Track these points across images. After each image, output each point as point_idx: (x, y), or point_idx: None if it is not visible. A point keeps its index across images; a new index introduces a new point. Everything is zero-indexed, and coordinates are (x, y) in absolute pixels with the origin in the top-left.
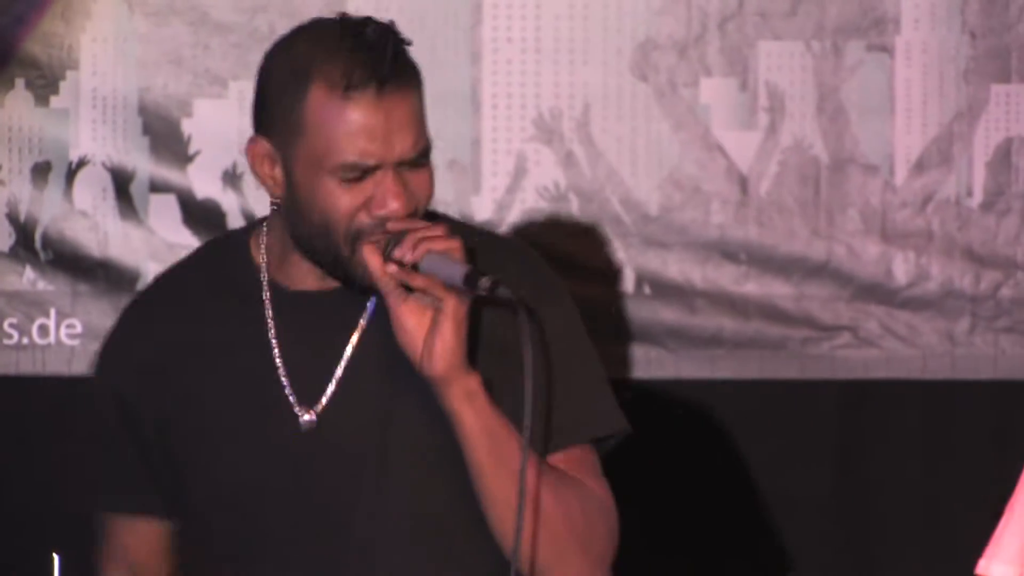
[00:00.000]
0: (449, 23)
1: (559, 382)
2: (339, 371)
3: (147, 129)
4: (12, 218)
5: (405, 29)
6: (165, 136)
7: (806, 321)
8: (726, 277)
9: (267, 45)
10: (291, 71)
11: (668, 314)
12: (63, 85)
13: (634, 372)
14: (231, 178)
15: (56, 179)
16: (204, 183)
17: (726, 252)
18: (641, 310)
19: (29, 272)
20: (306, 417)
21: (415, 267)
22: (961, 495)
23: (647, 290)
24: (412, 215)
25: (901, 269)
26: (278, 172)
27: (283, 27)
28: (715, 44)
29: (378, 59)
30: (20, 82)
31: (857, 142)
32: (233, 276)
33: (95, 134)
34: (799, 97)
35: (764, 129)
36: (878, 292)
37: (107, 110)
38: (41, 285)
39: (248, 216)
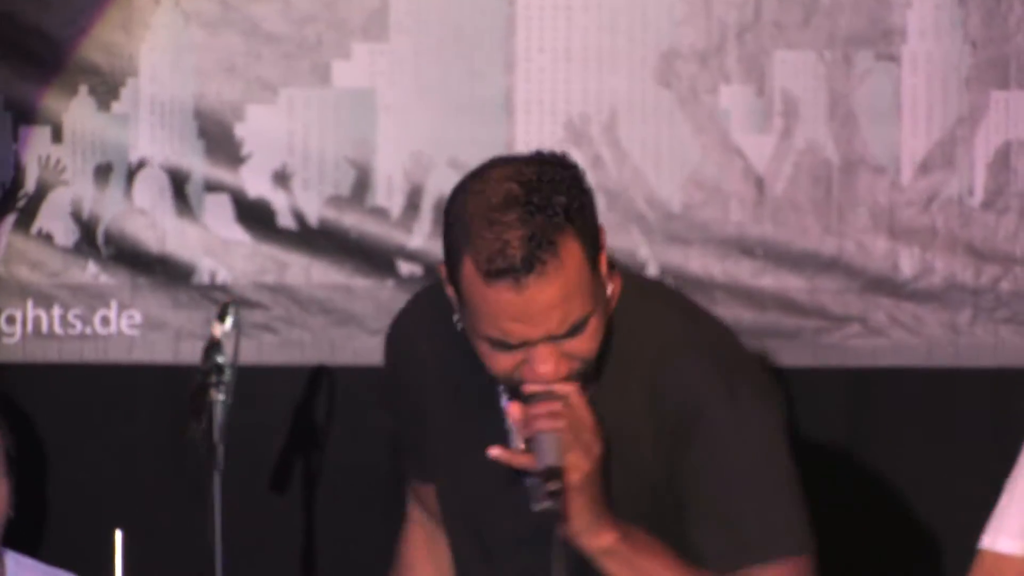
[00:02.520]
0: (485, 34)
1: (732, 498)
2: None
3: (202, 133)
4: (76, 216)
5: (444, 42)
6: (219, 139)
7: (818, 312)
8: (744, 271)
9: (314, 54)
10: (454, 228)
11: None
12: (123, 91)
13: None
14: (281, 178)
15: (117, 179)
16: (255, 183)
17: (744, 248)
18: None
19: (92, 266)
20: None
21: (531, 441)
22: (962, 474)
23: (670, 283)
24: (576, 373)
25: (907, 263)
26: (455, 295)
27: (330, 38)
28: (734, 53)
29: (522, 237)
30: (83, 89)
31: (866, 145)
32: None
33: (153, 137)
34: (812, 103)
35: (779, 133)
36: (886, 285)
37: (165, 115)
38: (103, 279)
39: (297, 214)
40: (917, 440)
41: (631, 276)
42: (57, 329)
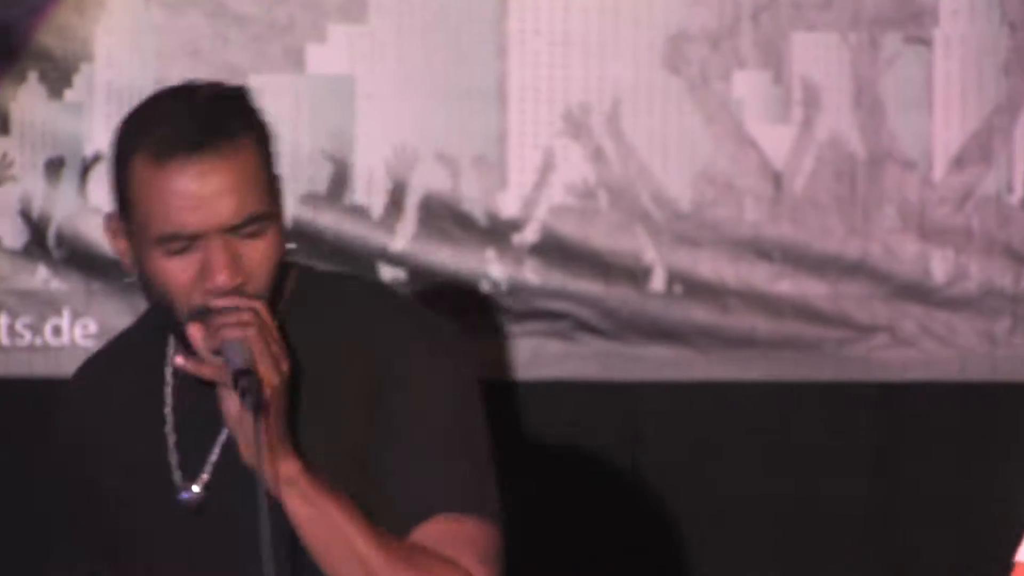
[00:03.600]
0: (474, 16)
1: (419, 453)
2: (216, 451)
3: None
4: (25, 215)
5: (429, 23)
6: None
7: (842, 321)
8: (759, 276)
9: (287, 37)
10: (120, 144)
11: (700, 314)
12: (77, 78)
13: (664, 374)
14: None
15: (70, 175)
16: None
17: (759, 250)
18: (672, 310)
19: (42, 270)
20: (185, 495)
21: (218, 353)
22: (1000, 499)
23: (678, 289)
24: (248, 288)
25: (940, 268)
26: (126, 247)
27: (303, 18)
28: (748, 36)
29: (195, 123)
30: (33, 75)
31: (894, 137)
32: (149, 352)
33: (110, 128)
34: (835, 90)
35: (799, 123)
36: (916, 291)
37: (123, 103)
38: (55, 284)
39: None
40: (950, 461)
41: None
42: (3, 339)
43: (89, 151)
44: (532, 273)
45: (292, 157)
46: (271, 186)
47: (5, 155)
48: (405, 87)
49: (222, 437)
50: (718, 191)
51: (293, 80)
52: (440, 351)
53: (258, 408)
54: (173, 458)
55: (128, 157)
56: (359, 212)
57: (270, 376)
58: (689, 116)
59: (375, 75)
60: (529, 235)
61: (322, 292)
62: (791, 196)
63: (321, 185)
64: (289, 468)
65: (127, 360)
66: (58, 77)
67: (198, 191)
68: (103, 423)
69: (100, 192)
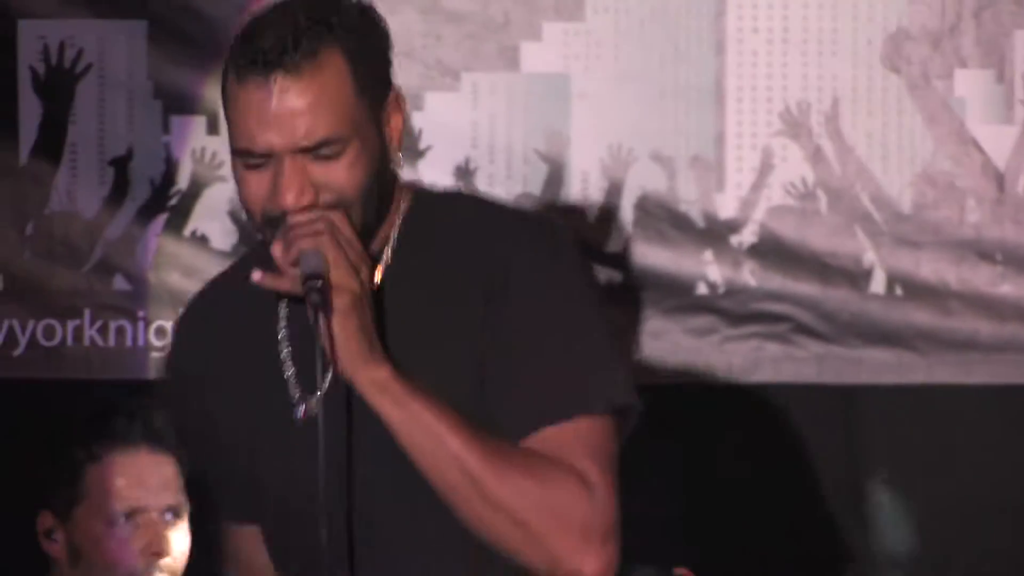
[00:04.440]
0: (692, 13)
1: (529, 360)
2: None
3: None
4: (234, 216)
5: (646, 21)
6: None
7: None
8: (981, 278)
9: (502, 35)
10: (225, 59)
11: (921, 316)
12: None
13: (884, 377)
14: (464, 174)
15: None
16: (435, 180)
17: (981, 252)
18: (892, 312)
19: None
20: (299, 411)
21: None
22: None
23: (899, 291)
24: (325, 201)
25: None
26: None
27: (519, 16)
28: (970, 34)
29: (278, 39)
30: None
31: None
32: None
33: None
34: None
35: (1022, 123)
36: None
37: None
38: None
39: None
40: None
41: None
42: None
43: None
44: (750, 275)
45: (506, 157)
46: (361, 102)
47: (215, 155)
48: (621, 86)
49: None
50: (939, 192)
51: (508, 79)
52: (548, 251)
53: (324, 311)
54: (289, 376)
55: (224, 71)
56: (575, 213)
57: (347, 281)
58: (910, 116)
59: (590, 74)
60: (747, 236)
61: (435, 209)
62: (1014, 197)
63: (536, 185)
64: (379, 373)
65: (244, 285)
66: None
67: (270, 111)
68: (220, 349)
69: None
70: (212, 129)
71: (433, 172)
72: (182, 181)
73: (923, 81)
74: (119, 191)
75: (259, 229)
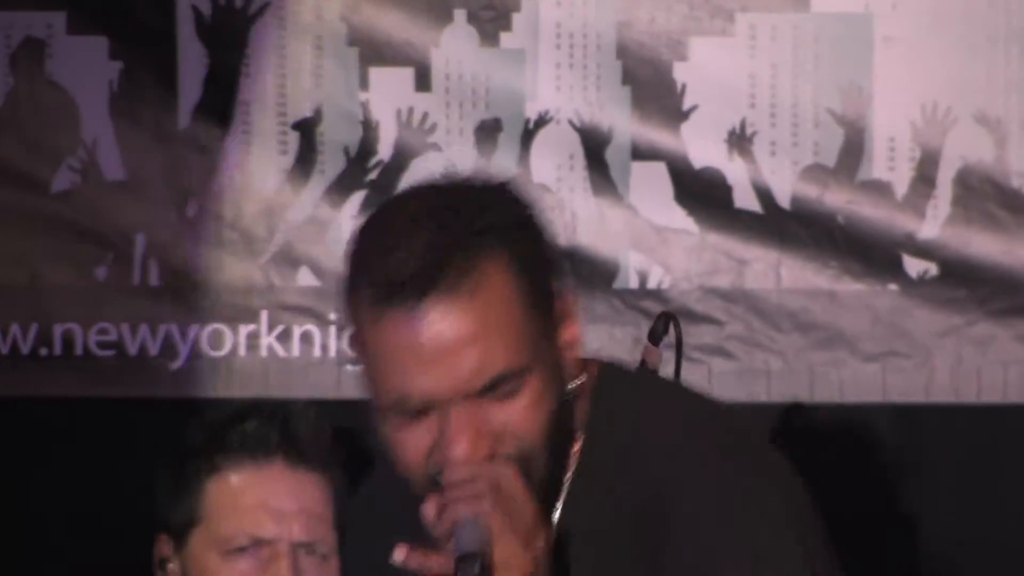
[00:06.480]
0: None
1: None
2: None
3: (627, 77)
4: None
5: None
6: (652, 86)
7: None
8: None
9: None
10: (349, 263)
11: None
12: (517, 18)
13: None
14: (738, 140)
15: (508, 142)
16: (703, 147)
17: None
18: None
19: None
20: None
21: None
22: None
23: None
24: (504, 452)
25: None
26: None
27: None
28: None
29: (426, 252)
30: (460, 15)
31: None
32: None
33: (559, 83)
34: None
35: None
36: None
37: (575, 51)
38: None
39: (761, 191)
40: None
41: (611, 364)
42: None
43: (532, 112)
44: None
45: (791, 120)
46: (534, 318)
47: (425, 116)
48: (935, 29)
49: None
50: None
51: (794, 20)
52: (759, 559)
53: None
54: None
55: (354, 286)
56: (878, 189)
57: (515, 560)
58: None
59: (899, 13)
60: None
61: (622, 421)
62: None
63: (829, 156)
64: None
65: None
66: (493, 17)
67: (423, 349)
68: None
69: (546, 165)
70: (422, 85)
71: (699, 139)
72: (384, 150)
73: None
74: (304, 162)
75: (423, 493)
